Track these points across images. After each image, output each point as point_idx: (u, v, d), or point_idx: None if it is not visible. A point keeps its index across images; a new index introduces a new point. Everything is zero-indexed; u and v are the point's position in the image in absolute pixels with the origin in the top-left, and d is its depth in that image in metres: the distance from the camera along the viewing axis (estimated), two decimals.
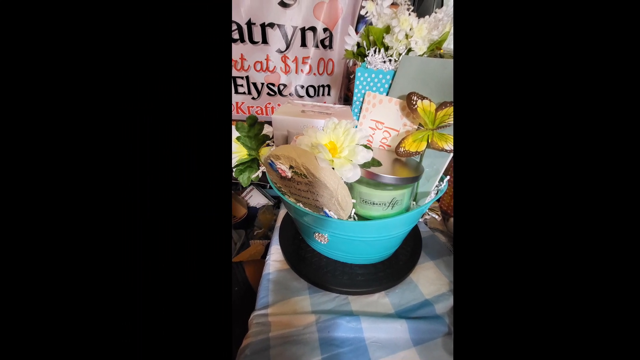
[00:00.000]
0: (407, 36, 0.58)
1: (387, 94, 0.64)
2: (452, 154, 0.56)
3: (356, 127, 0.50)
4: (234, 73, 1.29)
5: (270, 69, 1.29)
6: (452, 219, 0.81)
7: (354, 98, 0.68)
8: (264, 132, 0.67)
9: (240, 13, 1.14)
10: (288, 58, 1.28)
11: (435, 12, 0.59)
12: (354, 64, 0.75)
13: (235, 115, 1.41)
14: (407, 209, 0.59)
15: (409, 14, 0.57)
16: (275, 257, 0.73)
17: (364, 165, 0.50)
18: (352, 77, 1.33)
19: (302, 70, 1.32)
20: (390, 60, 0.61)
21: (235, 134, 0.64)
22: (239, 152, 0.66)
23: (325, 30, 1.23)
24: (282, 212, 0.90)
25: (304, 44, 1.25)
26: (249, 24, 1.17)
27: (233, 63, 1.26)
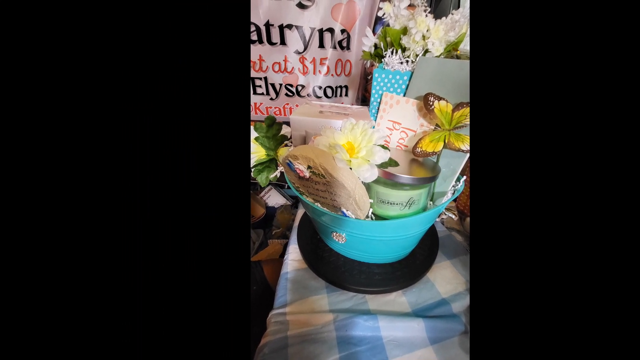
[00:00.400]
0: (424, 37, 0.58)
1: (404, 95, 0.64)
2: (468, 154, 0.56)
3: (373, 127, 0.51)
4: (252, 74, 1.30)
5: (289, 69, 1.31)
6: (468, 219, 0.81)
7: (372, 99, 0.69)
8: (282, 132, 0.68)
9: (258, 14, 1.15)
10: (306, 59, 1.29)
11: (452, 14, 0.59)
12: (372, 65, 0.75)
13: (253, 115, 1.43)
14: (424, 209, 0.59)
15: (426, 16, 0.57)
16: (293, 256, 0.74)
17: (381, 166, 0.50)
18: (369, 78, 1.33)
19: (320, 71, 1.33)
20: (407, 61, 0.62)
21: (253, 134, 0.65)
22: (257, 153, 0.67)
23: (343, 31, 1.23)
24: (300, 212, 0.90)
25: (321, 45, 1.26)
26: (267, 25, 1.18)
27: (251, 64, 1.27)
